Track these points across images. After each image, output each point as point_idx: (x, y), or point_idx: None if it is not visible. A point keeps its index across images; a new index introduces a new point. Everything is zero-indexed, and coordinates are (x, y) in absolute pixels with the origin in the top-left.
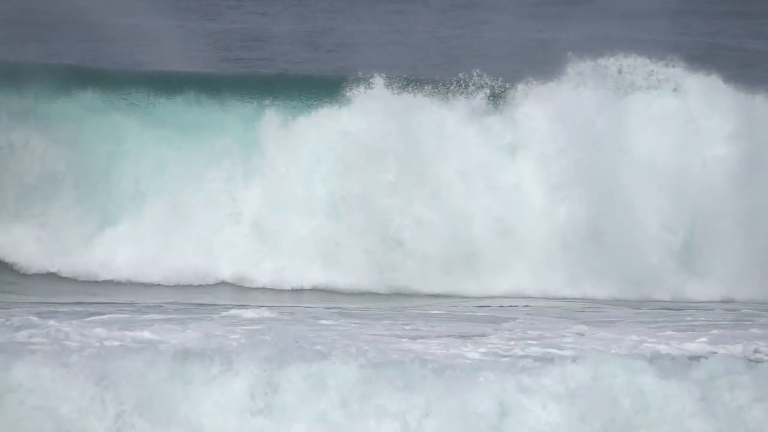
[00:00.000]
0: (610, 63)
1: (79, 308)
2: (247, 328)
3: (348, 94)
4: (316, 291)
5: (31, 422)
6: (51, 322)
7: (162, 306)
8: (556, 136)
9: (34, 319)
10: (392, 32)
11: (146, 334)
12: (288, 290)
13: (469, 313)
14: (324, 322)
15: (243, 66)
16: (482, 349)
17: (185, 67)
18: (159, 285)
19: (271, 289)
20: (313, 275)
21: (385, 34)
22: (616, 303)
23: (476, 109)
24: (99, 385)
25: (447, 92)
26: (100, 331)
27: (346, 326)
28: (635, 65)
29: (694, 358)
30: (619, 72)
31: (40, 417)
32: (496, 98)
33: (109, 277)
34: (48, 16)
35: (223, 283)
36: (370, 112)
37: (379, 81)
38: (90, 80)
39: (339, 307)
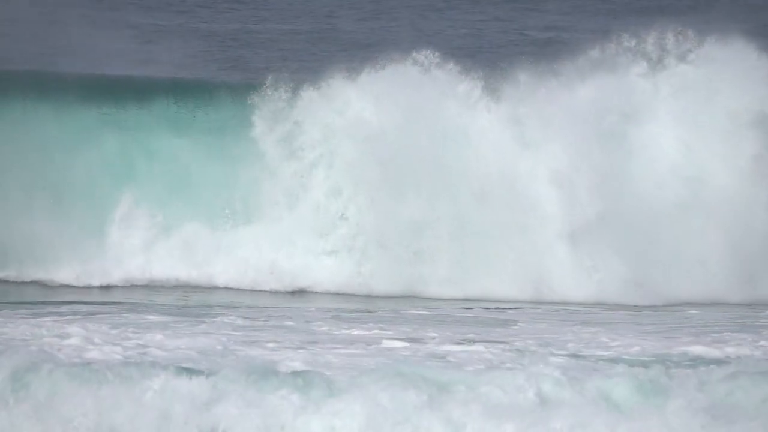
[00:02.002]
0: (631, 43)
1: (82, 308)
2: (241, 333)
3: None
4: (317, 293)
5: (29, 423)
6: (50, 322)
7: (163, 307)
8: (583, 140)
9: (34, 319)
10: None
11: (144, 338)
12: (289, 292)
13: (469, 315)
14: (324, 328)
15: (250, 68)
16: (488, 353)
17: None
18: (159, 287)
19: (271, 291)
20: (316, 277)
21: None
22: (616, 306)
23: (492, 111)
24: (97, 386)
25: (459, 89)
26: (99, 331)
27: (345, 330)
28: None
29: (702, 360)
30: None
31: (38, 418)
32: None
33: (107, 281)
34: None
35: (221, 288)
36: (386, 112)
37: (390, 80)
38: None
39: (339, 309)
